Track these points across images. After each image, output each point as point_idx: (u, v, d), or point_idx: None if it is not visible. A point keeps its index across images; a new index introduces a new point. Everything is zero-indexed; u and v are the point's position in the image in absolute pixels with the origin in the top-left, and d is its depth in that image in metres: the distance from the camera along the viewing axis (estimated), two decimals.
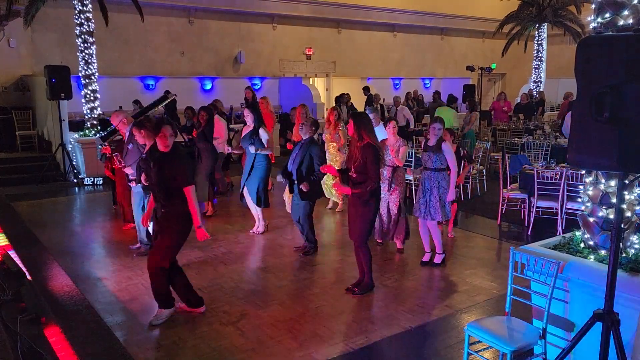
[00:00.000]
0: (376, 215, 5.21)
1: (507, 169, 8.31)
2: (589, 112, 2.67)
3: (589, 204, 3.69)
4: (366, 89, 15.11)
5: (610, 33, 3.20)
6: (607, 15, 3.35)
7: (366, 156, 4.83)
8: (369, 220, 5.06)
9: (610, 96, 2.56)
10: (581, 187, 3.92)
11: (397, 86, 21.16)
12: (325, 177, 7.41)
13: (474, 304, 5.02)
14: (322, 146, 7.24)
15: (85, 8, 10.96)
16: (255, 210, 7.20)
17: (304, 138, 6.26)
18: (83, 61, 11.16)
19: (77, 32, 11.08)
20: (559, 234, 6.92)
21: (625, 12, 3.28)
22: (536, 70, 18.69)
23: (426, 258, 6.09)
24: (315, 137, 6.99)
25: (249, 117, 6.92)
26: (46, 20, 12.66)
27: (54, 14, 12.70)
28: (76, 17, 11.00)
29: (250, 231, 7.30)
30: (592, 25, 3.49)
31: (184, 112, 10.67)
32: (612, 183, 3.52)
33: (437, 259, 6.04)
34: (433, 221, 5.86)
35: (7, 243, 5.24)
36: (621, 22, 3.29)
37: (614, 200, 3.47)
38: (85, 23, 11.01)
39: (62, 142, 10.93)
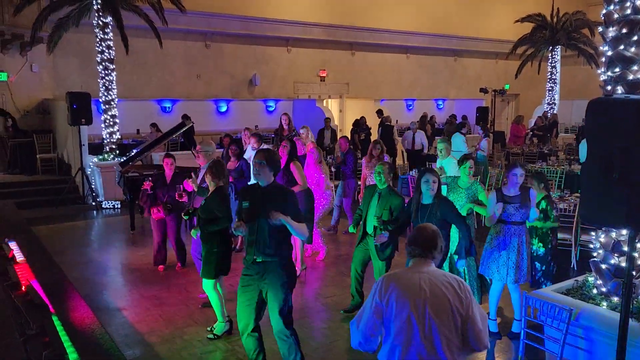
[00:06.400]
0: None
1: None
2: (599, 172, 2.76)
3: (600, 251, 3.75)
4: (379, 112, 15.26)
5: (620, 96, 3.27)
6: (617, 69, 3.44)
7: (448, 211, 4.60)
8: None
9: (619, 158, 2.65)
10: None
11: (410, 107, 21.27)
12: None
13: None
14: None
15: (106, 36, 11.28)
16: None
17: (383, 183, 5.20)
18: (103, 87, 11.45)
19: (98, 59, 11.39)
20: (573, 266, 6.96)
21: (635, 67, 3.37)
22: (550, 92, 18.71)
23: (495, 328, 5.04)
24: None
25: (285, 150, 6.52)
26: (68, 46, 12.99)
27: (76, 39, 13.04)
28: (97, 45, 11.32)
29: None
30: (602, 77, 3.58)
31: (221, 140, 10.30)
32: (624, 231, 3.58)
33: (516, 328, 4.91)
34: (515, 284, 4.87)
35: (30, 273, 5.36)
36: (631, 77, 3.37)
37: (625, 248, 3.52)
38: (106, 51, 11.33)
39: (81, 166, 11.18)
